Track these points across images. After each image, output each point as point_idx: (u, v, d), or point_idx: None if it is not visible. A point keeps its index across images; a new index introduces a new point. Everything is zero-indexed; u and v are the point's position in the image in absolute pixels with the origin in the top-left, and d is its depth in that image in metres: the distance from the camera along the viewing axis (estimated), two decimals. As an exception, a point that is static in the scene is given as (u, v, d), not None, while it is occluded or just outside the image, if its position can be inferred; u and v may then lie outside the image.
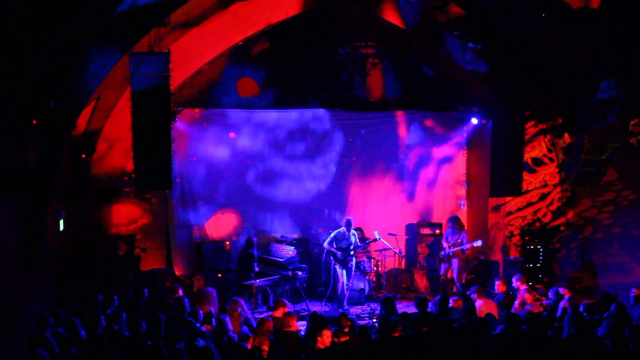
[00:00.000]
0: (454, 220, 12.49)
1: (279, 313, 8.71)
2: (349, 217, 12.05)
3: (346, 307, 11.44)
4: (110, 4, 7.35)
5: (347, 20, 11.56)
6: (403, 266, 13.37)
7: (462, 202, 13.74)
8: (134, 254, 11.19)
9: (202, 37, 10.73)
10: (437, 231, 13.14)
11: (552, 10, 9.85)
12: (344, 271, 11.64)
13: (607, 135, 10.04)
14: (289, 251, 11.97)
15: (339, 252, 11.64)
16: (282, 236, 12.92)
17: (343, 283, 11.63)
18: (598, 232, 11.77)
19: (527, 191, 12.29)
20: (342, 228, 11.80)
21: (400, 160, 13.63)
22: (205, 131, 12.57)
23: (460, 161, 13.71)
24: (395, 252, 12.27)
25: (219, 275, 12.18)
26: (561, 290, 9.74)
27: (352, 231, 11.80)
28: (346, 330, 8.08)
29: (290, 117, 12.97)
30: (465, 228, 12.60)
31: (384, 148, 13.57)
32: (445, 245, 12.36)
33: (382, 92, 13.17)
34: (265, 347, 7.68)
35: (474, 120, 12.71)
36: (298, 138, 13.15)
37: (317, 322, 7.99)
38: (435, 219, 13.55)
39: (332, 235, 11.84)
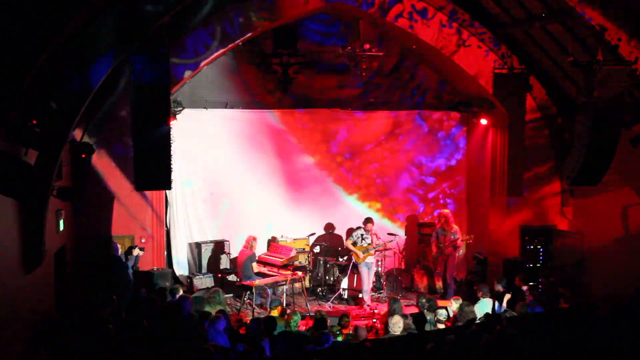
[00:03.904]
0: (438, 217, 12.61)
1: (275, 313, 8.74)
2: (369, 216, 12.09)
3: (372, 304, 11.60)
4: (111, 5, 7.34)
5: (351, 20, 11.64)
6: (403, 266, 13.39)
7: (461, 202, 13.77)
8: (133, 254, 11.18)
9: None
10: (434, 231, 13.13)
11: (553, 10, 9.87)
12: (367, 270, 11.69)
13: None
14: (289, 251, 11.97)
15: (360, 252, 11.68)
16: (282, 236, 12.92)
17: (367, 282, 11.74)
18: (597, 232, 11.76)
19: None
20: (362, 227, 11.85)
21: (400, 159, 13.65)
22: (206, 131, 12.56)
23: (461, 161, 13.72)
24: (396, 253, 12.31)
25: (219, 275, 12.19)
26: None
27: (374, 230, 11.86)
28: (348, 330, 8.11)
29: (295, 117, 12.99)
30: (454, 226, 12.53)
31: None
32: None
33: (383, 91, 13.22)
34: None
35: (484, 121, 12.70)
36: (302, 137, 13.16)
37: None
38: (435, 219, 13.55)
39: (353, 234, 11.88)
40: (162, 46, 8.12)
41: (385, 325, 8.31)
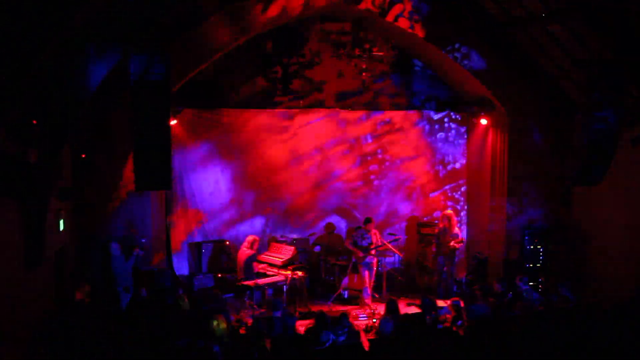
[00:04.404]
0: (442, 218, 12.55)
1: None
2: (369, 216, 12.08)
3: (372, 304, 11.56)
4: (111, 4, 7.35)
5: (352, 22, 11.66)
6: (403, 266, 13.39)
7: (461, 202, 13.78)
8: (133, 254, 11.20)
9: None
10: (437, 231, 13.13)
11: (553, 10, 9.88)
12: (367, 270, 11.70)
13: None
14: (289, 251, 11.97)
15: (361, 252, 11.68)
16: (282, 236, 12.92)
17: (368, 282, 11.73)
18: (598, 232, 11.76)
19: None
20: (362, 227, 11.84)
21: (400, 159, 13.66)
22: (206, 131, 12.57)
23: (460, 161, 13.73)
24: (395, 253, 12.30)
25: (219, 275, 12.18)
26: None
27: (374, 230, 11.86)
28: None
29: (295, 117, 12.99)
30: (456, 228, 12.52)
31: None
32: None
33: (383, 91, 13.22)
34: None
35: (484, 121, 12.71)
36: (302, 137, 13.15)
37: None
38: (435, 219, 13.55)
39: (353, 234, 11.87)
40: (163, 45, 8.13)
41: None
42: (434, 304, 9.22)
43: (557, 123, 12.18)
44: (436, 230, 12.66)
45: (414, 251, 13.51)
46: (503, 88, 12.07)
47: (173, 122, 10.82)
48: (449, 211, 12.62)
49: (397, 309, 8.99)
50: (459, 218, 13.45)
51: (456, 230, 12.34)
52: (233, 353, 7.26)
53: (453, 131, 13.65)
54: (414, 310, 10.11)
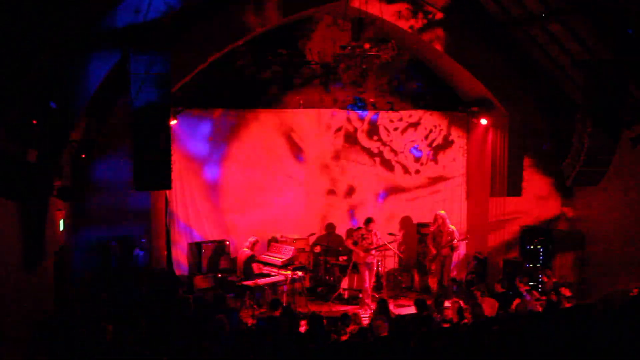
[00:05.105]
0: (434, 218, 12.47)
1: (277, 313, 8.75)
2: (370, 216, 12.07)
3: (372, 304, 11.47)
4: (110, 4, 7.36)
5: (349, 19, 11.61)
6: (403, 266, 13.39)
7: (461, 203, 13.77)
8: (133, 254, 11.19)
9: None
10: (432, 230, 13.10)
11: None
12: (367, 270, 11.69)
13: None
14: (289, 251, 11.96)
15: (361, 252, 11.68)
16: (282, 236, 12.90)
17: (368, 282, 11.71)
18: (597, 232, 11.77)
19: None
20: (363, 227, 11.84)
21: (401, 160, 13.66)
22: (205, 131, 12.57)
23: (460, 161, 13.73)
24: (396, 253, 12.31)
25: (219, 275, 12.18)
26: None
27: (375, 230, 11.87)
28: (350, 329, 8.13)
29: (295, 117, 12.99)
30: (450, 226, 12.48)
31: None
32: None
33: (383, 91, 13.22)
34: None
35: (484, 121, 12.70)
36: (302, 138, 13.15)
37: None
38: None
39: (353, 234, 11.86)
40: (163, 45, 8.12)
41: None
42: (426, 303, 9.23)
43: (557, 123, 12.19)
44: (431, 229, 12.60)
45: (414, 251, 13.50)
46: (503, 88, 12.08)
47: (173, 122, 10.81)
48: (442, 211, 12.55)
49: (387, 310, 8.99)
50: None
51: (451, 228, 12.26)
52: (233, 353, 7.26)
53: (453, 131, 13.64)
54: (409, 310, 10.12)
